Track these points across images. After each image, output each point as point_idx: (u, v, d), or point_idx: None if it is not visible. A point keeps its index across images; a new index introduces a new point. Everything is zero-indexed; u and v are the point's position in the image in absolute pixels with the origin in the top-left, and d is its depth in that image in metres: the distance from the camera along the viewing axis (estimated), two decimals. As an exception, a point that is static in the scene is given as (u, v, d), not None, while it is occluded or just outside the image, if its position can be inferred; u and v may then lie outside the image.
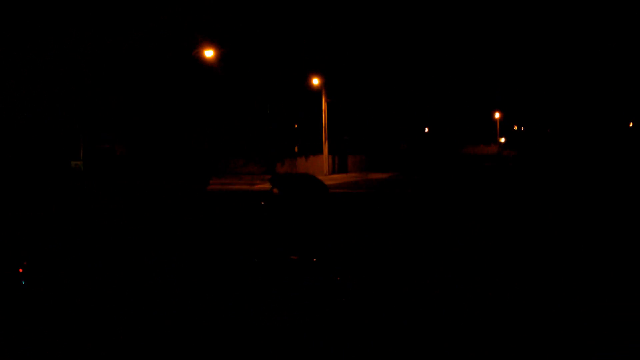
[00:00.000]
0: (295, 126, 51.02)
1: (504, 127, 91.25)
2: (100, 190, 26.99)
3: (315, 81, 43.82)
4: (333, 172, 46.85)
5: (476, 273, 10.61)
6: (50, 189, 26.19)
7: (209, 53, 30.13)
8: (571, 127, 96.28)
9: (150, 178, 36.10)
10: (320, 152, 46.10)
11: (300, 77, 45.69)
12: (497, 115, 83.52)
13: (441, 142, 67.60)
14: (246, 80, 48.60)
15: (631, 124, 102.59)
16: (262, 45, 46.93)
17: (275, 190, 16.26)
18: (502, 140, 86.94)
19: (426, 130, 70.49)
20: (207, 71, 39.95)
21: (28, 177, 27.79)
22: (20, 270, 7.64)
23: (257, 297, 9.06)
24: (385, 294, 9.28)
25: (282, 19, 47.69)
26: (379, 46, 52.53)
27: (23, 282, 7.67)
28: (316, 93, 45.14)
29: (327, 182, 36.55)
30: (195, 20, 40.30)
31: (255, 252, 11.43)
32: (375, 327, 7.95)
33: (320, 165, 45.82)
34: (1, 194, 23.82)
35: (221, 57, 32.78)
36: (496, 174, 42.55)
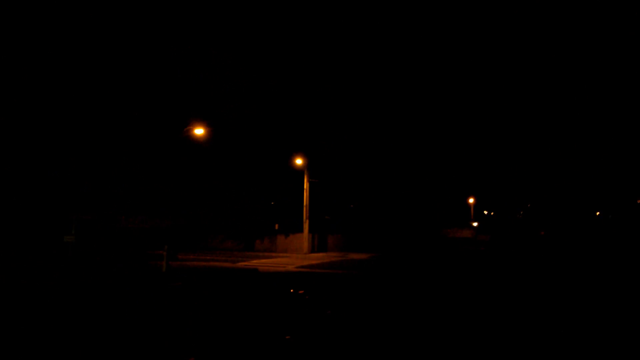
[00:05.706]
0: (276, 204, 51.53)
1: (476, 211, 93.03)
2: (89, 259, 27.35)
3: (299, 161, 44.73)
4: (313, 250, 47.07)
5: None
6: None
7: (199, 131, 30.78)
8: (543, 213, 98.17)
9: (131, 248, 35.99)
10: (301, 230, 46.47)
11: (283, 157, 46.63)
12: (471, 200, 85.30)
13: (419, 224, 68.49)
14: (229, 158, 49.38)
15: (598, 213, 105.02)
16: (248, 125, 48.04)
17: None
18: (475, 224, 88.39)
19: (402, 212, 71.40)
20: (194, 149, 40.65)
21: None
22: None
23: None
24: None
25: (268, 100, 49.05)
26: (361, 130, 54.04)
27: None
28: (299, 172, 45.96)
29: (308, 261, 36.81)
30: (186, 100, 41.42)
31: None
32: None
33: (300, 244, 46.06)
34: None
35: (209, 135, 33.47)
36: (474, 257, 43.15)
